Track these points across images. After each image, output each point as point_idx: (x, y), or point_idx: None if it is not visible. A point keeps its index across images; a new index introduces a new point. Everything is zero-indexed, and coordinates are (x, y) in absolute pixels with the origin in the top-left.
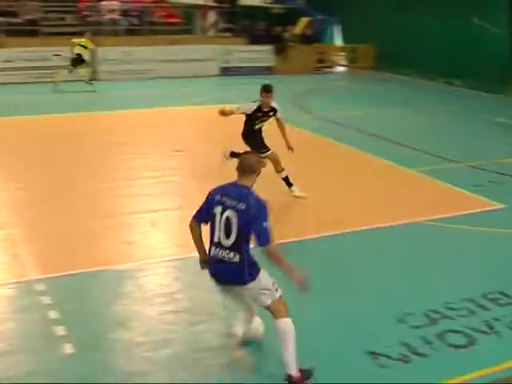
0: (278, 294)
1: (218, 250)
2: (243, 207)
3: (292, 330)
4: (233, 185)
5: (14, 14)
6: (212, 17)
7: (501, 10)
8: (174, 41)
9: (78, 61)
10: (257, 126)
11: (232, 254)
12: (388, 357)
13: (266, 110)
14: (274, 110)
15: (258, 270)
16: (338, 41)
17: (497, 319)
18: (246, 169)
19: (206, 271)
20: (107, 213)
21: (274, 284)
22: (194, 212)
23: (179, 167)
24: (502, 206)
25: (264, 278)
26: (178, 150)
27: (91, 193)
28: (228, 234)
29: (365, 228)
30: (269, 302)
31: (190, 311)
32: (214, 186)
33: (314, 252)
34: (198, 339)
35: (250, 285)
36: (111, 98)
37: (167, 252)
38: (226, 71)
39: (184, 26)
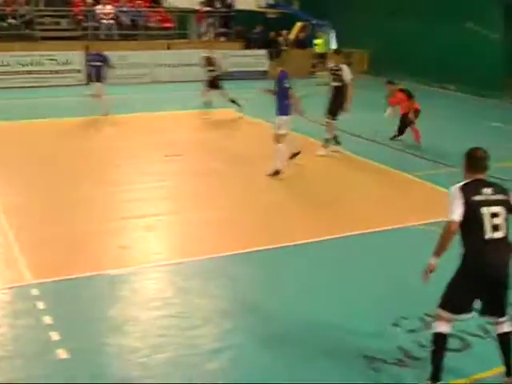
0: None
1: None
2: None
3: None
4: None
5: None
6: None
7: (495, 15)
8: (170, 45)
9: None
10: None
11: None
12: (384, 361)
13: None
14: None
15: None
16: (333, 45)
17: (492, 323)
18: None
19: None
20: (103, 217)
21: None
22: None
23: (176, 172)
24: None
25: None
26: (175, 155)
27: (87, 197)
28: None
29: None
30: None
31: (184, 316)
32: (209, 191)
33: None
34: (193, 344)
35: None
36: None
37: (162, 257)
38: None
39: (179, 30)
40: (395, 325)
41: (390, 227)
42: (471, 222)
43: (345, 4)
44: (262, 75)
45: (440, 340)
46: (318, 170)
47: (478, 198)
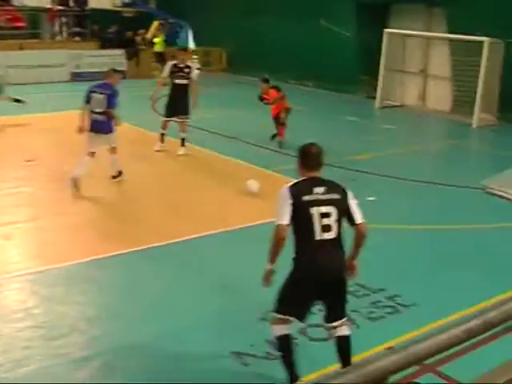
0: None
1: None
2: None
3: None
4: None
5: None
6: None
7: (347, 13)
8: (21, 46)
9: None
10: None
11: None
12: (253, 356)
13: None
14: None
15: None
16: (191, 44)
17: (355, 311)
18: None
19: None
20: None
21: None
22: None
23: (31, 177)
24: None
25: None
26: (28, 160)
27: None
28: None
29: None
30: None
31: (48, 326)
32: (61, 197)
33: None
34: (59, 354)
35: None
36: None
37: (22, 266)
38: (77, 77)
39: (31, 30)
40: (263, 319)
41: (249, 224)
42: (301, 223)
43: (202, 3)
44: (120, 75)
45: (285, 342)
46: (174, 169)
47: (307, 197)
